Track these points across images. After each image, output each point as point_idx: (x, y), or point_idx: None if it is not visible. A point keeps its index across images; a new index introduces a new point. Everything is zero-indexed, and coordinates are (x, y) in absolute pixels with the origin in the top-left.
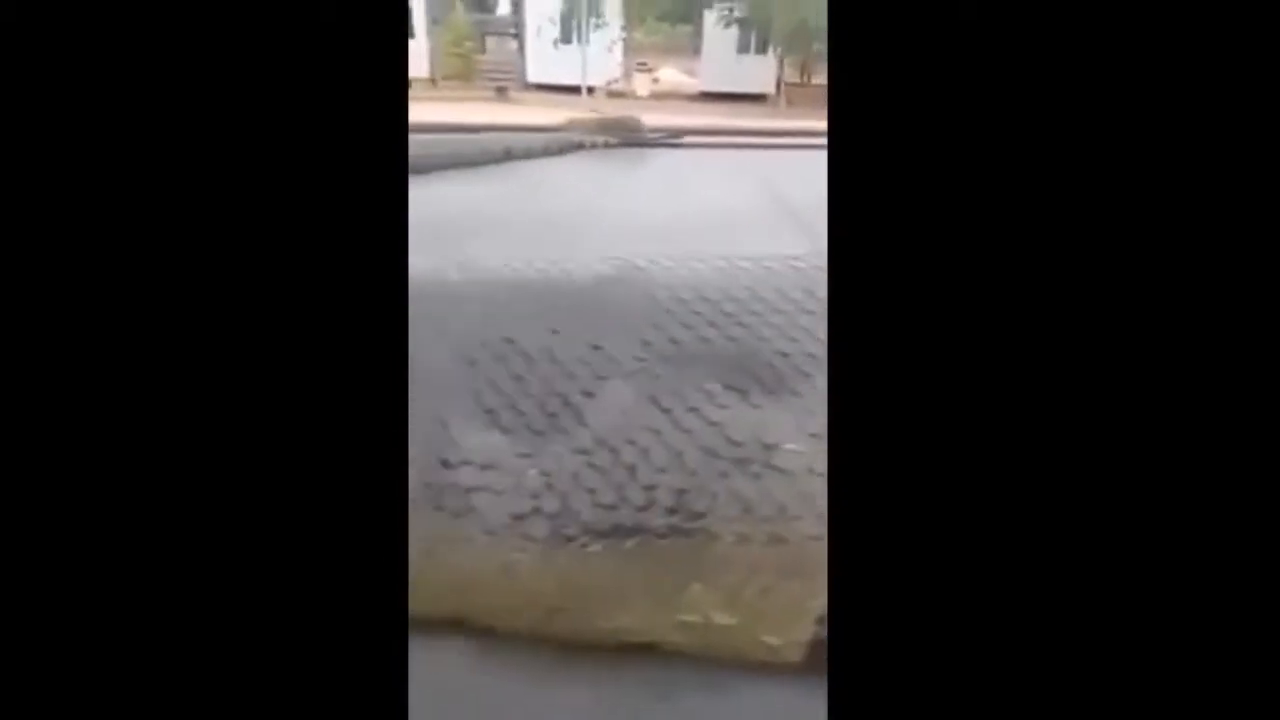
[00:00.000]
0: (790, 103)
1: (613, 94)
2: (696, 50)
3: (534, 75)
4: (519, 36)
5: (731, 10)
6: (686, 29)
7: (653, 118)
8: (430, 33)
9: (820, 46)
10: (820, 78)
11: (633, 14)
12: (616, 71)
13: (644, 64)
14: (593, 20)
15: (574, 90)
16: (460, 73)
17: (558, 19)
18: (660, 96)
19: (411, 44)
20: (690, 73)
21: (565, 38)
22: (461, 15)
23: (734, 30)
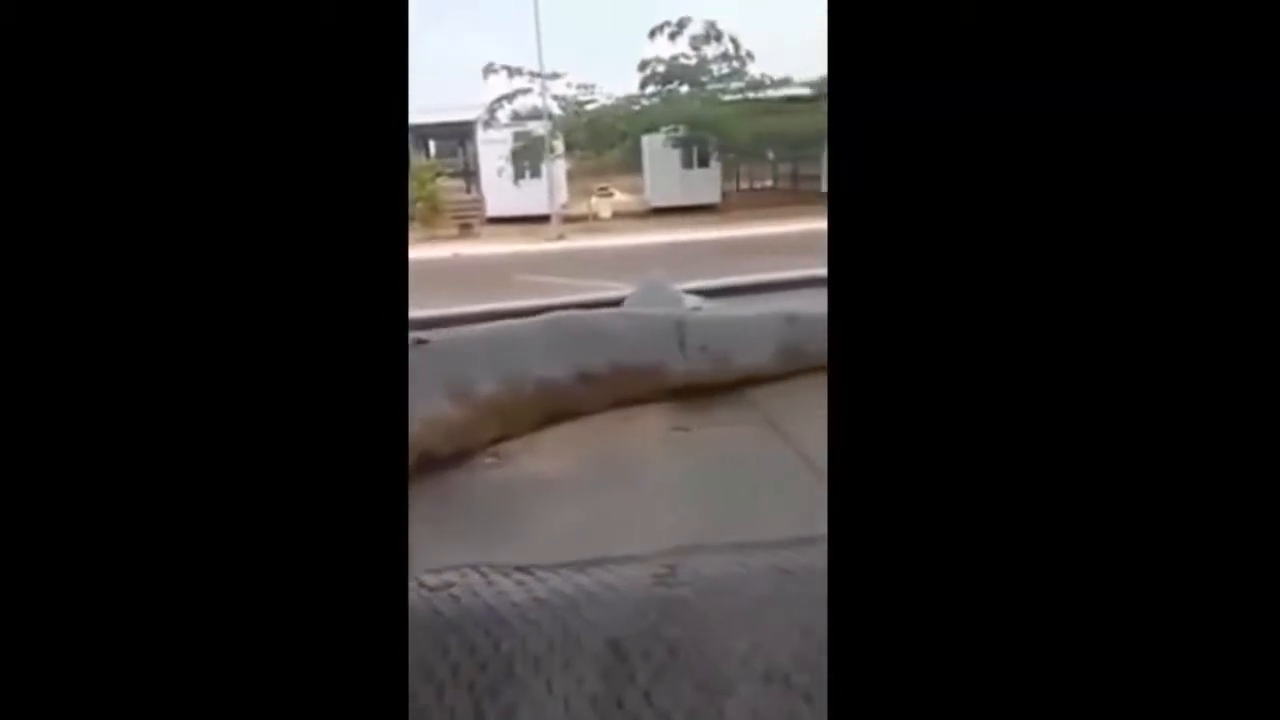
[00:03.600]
0: (739, 206)
1: (570, 219)
2: (628, 169)
3: (493, 209)
4: (468, 175)
5: (677, 129)
6: (614, 153)
7: (618, 237)
8: None
9: (772, 154)
10: (761, 181)
11: (579, 146)
12: (564, 198)
13: (605, 188)
14: (548, 155)
15: (536, 219)
16: (421, 215)
17: (510, 157)
18: (619, 216)
19: None
20: (629, 190)
21: (520, 174)
22: (423, 161)
23: (678, 149)
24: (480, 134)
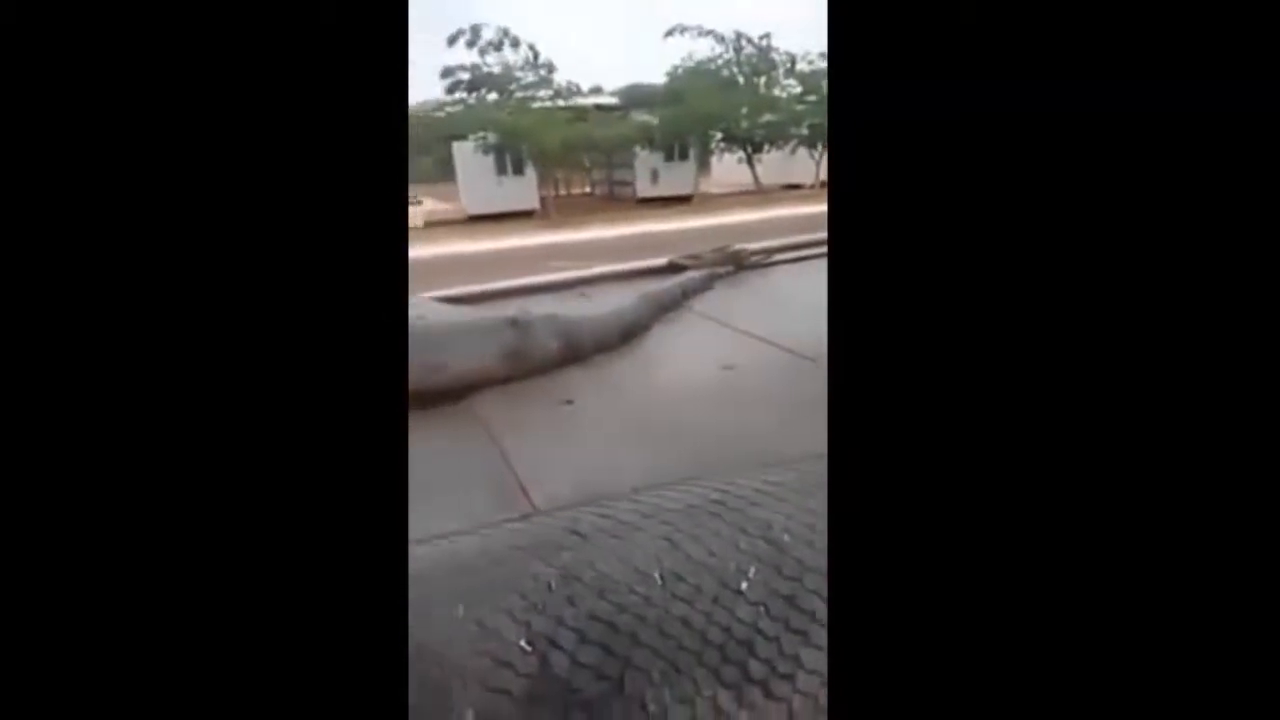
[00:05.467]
0: (556, 213)
1: None
2: (441, 178)
3: None
4: None
5: (485, 138)
6: (425, 161)
7: (436, 247)
8: None
9: (586, 160)
10: (579, 188)
11: None
12: None
13: (414, 198)
14: None
15: None
16: None
17: None
18: (431, 225)
19: None
20: (444, 199)
21: None
22: None
23: (490, 156)
24: None
